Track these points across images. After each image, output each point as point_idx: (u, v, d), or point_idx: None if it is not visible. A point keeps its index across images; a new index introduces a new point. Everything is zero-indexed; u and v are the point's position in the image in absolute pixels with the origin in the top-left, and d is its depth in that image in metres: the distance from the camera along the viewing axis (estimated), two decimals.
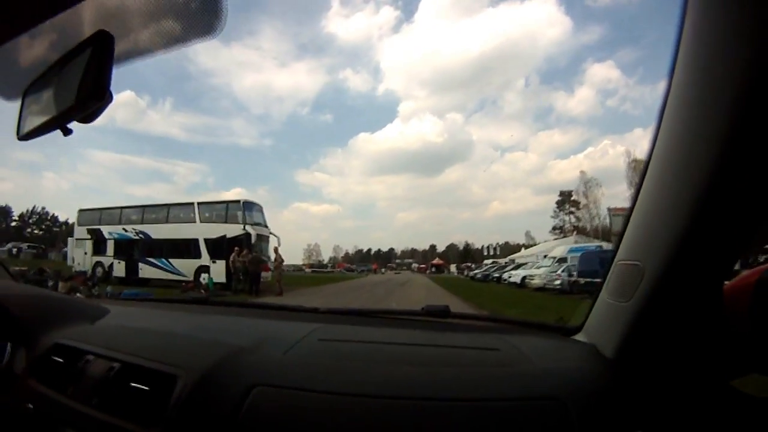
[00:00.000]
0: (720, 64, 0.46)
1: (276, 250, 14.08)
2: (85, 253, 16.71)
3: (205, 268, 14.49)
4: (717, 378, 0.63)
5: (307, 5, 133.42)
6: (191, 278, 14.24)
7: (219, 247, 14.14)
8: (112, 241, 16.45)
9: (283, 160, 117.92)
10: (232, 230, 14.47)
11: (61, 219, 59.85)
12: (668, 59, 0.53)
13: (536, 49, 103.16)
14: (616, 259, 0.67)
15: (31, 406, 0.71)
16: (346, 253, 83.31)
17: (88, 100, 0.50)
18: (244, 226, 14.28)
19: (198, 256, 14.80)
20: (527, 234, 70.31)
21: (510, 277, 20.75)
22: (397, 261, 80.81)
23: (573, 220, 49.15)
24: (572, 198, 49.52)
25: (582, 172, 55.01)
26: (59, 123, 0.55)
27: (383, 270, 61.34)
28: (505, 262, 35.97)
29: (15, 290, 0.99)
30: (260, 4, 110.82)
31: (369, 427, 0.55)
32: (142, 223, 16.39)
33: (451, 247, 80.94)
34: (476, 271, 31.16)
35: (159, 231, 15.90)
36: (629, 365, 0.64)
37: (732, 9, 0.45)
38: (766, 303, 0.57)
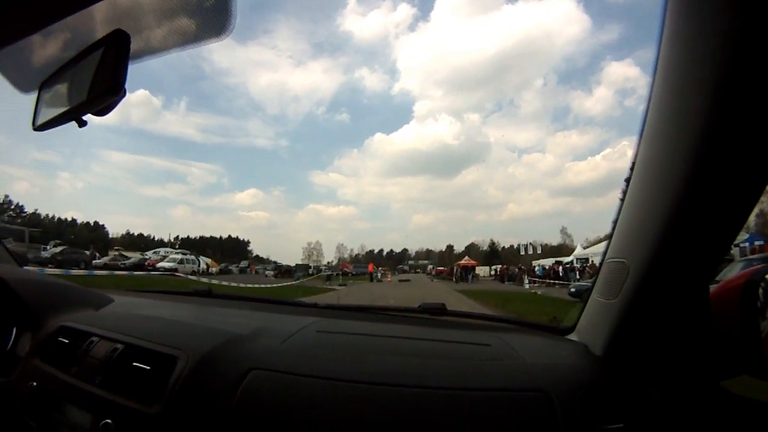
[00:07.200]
0: (698, 66, 0.46)
1: None
2: None
3: None
4: (706, 378, 0.63)
5: (323, 3, 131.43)
6: None
7: None
8: None
9: (299, 161, 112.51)
10: None
11: (76, 219, 60.19)
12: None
13: (554, 47, 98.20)
14: (605, 258, 0.67)
15: (35, 383, 0.74)
16: (355, 255, 74.27)
17: (103, 94, 0.53)
18: None
19: None
20: (563, 231, 61.88)
21: None
22: (410, 262, 68.81)
23: None
24: None
25: None
26: (74, 115, 0.57)
27: (379, 274, 32.13)
28: (570, 262, 27.81)
29: (20, 275, 1.01)
30: (276, 2, 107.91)
31: (359, 411, 0.58)
32: None
33: (472, 247, 71.00)
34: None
35: None
36: (616, 362, 0.65)
37: (708, 14, 0.44)
38: (753, 306, 0.59)
